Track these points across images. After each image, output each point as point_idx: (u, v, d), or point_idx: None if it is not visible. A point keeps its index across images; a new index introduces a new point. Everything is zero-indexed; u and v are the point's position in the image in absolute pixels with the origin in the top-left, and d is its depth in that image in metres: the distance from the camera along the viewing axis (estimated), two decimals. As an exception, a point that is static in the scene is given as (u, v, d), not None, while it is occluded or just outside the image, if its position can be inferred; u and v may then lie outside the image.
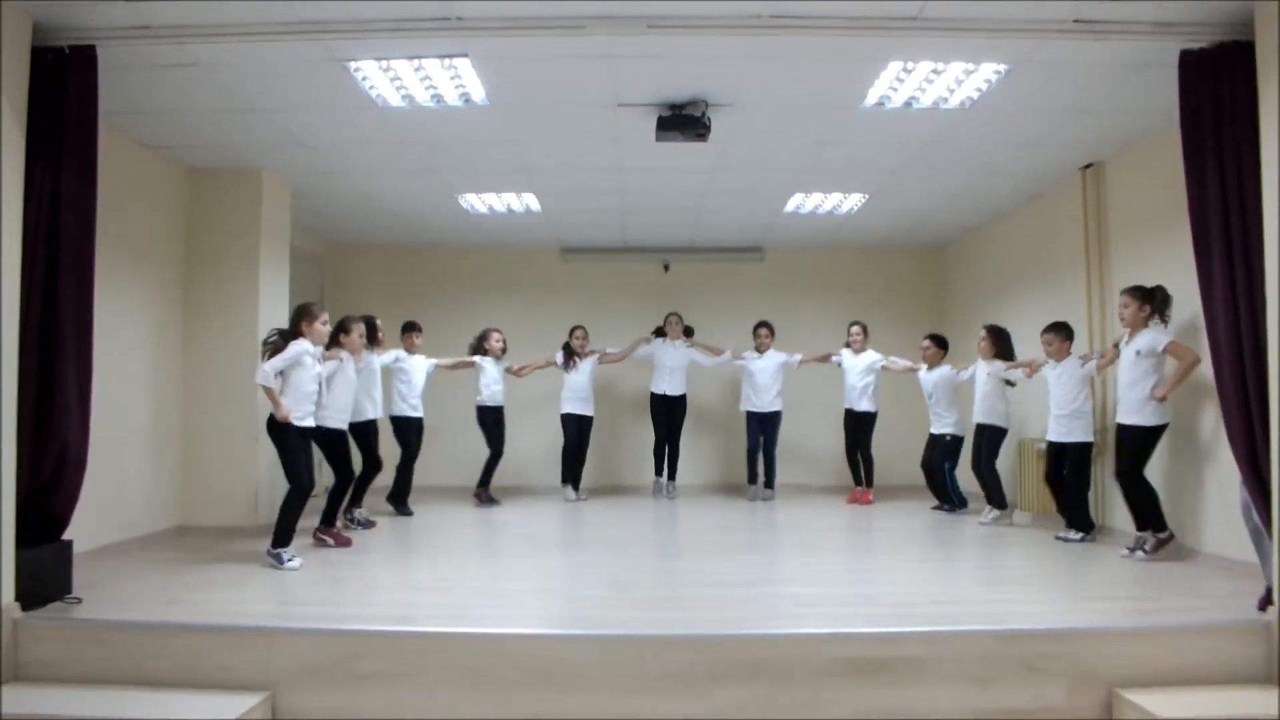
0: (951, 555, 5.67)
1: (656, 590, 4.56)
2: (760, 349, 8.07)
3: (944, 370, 7.32)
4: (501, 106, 5.18)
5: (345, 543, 5.70)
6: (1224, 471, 4.74)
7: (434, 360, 7.43)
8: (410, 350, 7.22)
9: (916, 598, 4.31)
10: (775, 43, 4.33)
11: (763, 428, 8.00)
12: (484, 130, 5.61)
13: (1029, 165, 6.36)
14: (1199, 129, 3.99)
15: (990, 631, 3.60)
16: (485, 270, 9.44)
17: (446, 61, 4.55)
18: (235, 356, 6.20)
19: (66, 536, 4.16)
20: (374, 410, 6.49)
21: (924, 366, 7.48)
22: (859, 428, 7.83)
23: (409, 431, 7.14)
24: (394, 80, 4.76)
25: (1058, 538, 5.79)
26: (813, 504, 7.83)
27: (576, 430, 8.02)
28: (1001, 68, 4.60)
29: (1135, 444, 5.18)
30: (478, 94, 4.96)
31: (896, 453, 8.45)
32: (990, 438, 6.71)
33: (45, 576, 3.96)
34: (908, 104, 5.10)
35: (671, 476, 8.30)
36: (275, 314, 6.48)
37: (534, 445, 8.66)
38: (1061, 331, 5.97)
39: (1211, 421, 5.06)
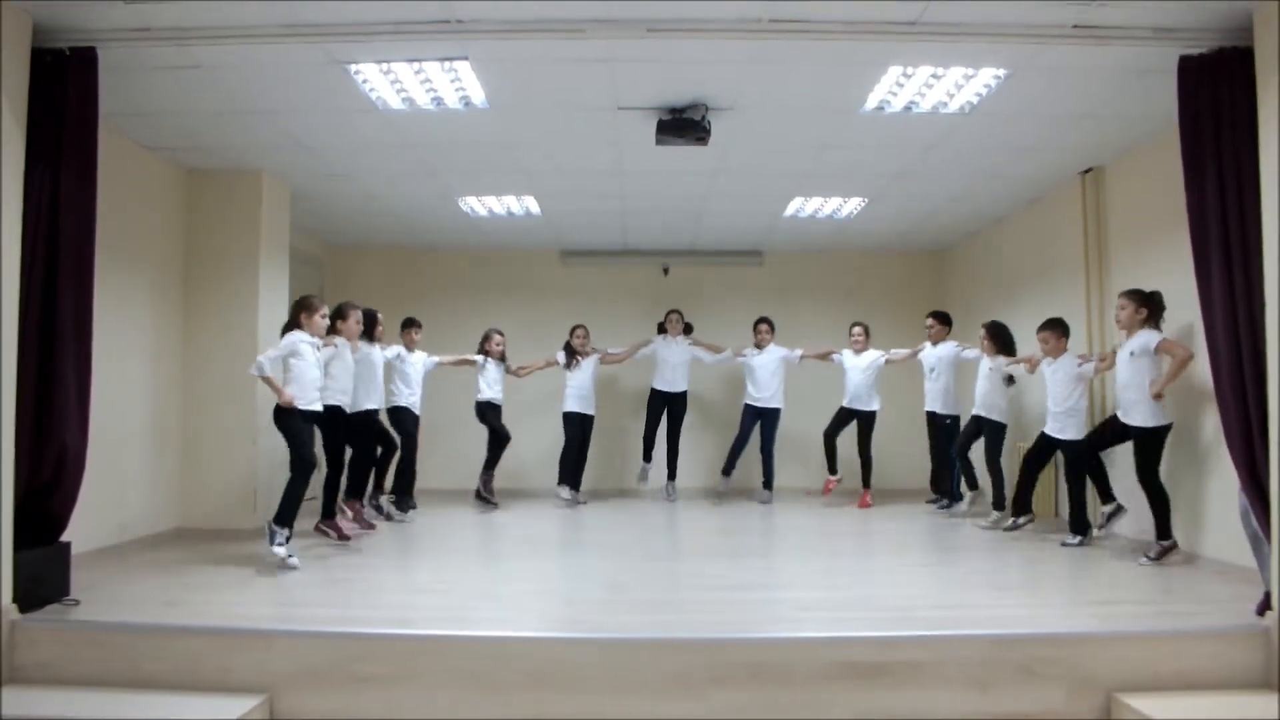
0: (951, 559, 5.67)
1: (656, 593, 4.55)
2: (760, 345, 8.08)
3: (948, 346, 7.35)
4: (501, 109, 5.18)
5: (345, 537, 5.73)
6: (1223, 477, 4.74)
7: (434, 358, 7.45)
8: (410, 346, 7.24)
9: (916, 601, 4.31)
10: (775, 47, 4.33)
11: (761, 423, 7.99)
12: (484, 133, 5.61)
13: (1029, 170, 6.37)
14: (1198, 134, 4.00)
15: (989, 635, 3.59)
16: (485, 273, 9.44)
17: (446, 64, 4.55)
18: (235, 358, 6.20)
19: (65, 538, 4.15)
20: (372, 402, 6.48)
21: (927, 345, 7.50)
22: (860, 428, 7.82)
23: (404, 424, 7.14)
24: (394, 83, 4.76)
25: (1064, 544, 5.76)
26: (813, 507, 7.82)
27: (579, 429, 8.00)
28: (1001, 72, 4.61)
29: (1145, 448, 5.19)
30: (478, 97, 4.96)
31: (895, 455, 8.44)
32: (991, 434, 6.72)
33: (43, 578, 3.95)
34: (907, 108, 5.11)
35: (672, 476, 8.27)
36: (275, 316, 6.48)
37: (534, 447, 8.65)
38: (1057, 329, 5.99)
39: (1211, 426, 5.06)
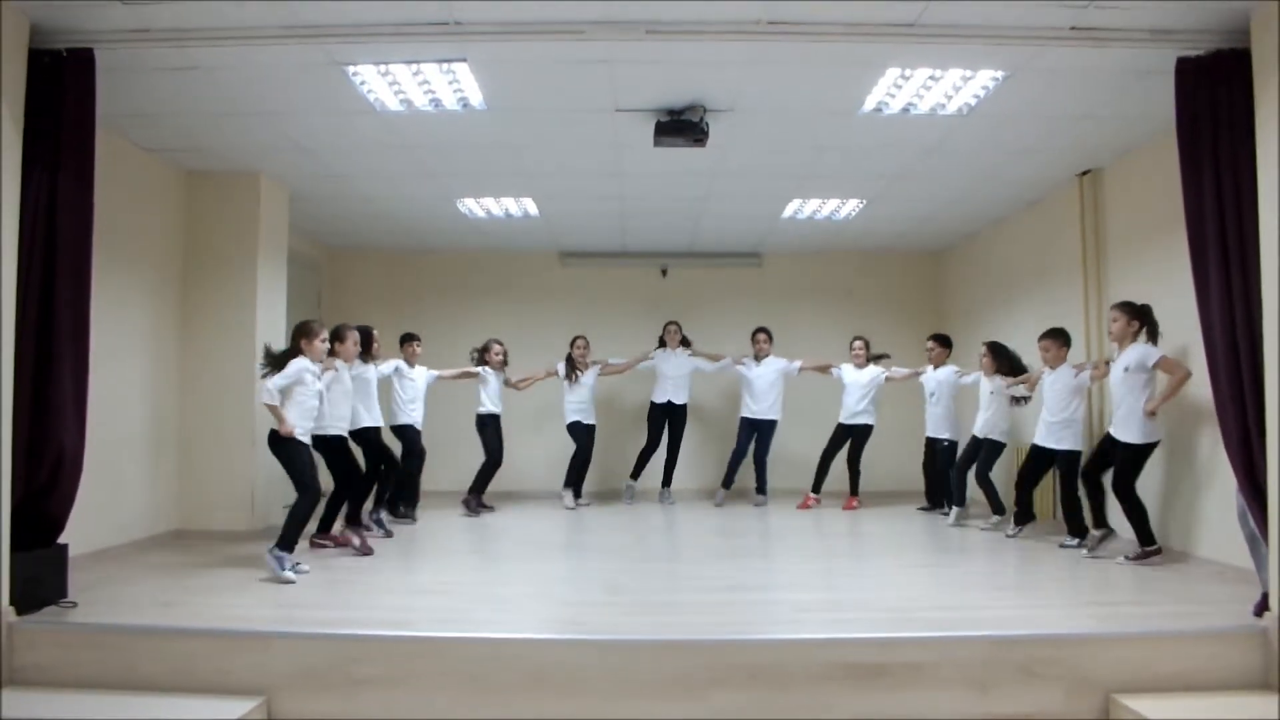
0: (949, 561, 5.67)
1: (655, 595, 4.55)
2: (758, 355, 8.06)
3: (947, 371, 7.34)
4: (500, 111, 5.18)
5: (342, 544, 5.72)
6: (1220, 477, 4.75)
7: (435, 372, 7.42)
8: (410, 361, 7.21)
9: (915, 603, 4.31)
10: (773, 48, 4.34)
11: (756, 434, 7.99)
12: (483, 134, 5.61)
13: (1027, 171, 6.37)
14: (1196, 136, 4.00)
15: (988, 636, 3.60)
16: (484, 275, 9.44)
17: (445, 66, 4.55)
18: (233, 360, 6.20)
19: (62, 540, 4.15)
20: (370, 419, 6.42)
21: (929, 368, 7.50)
22: (854, 441, 7.81)
23: (408, 440, 7.12)
24: (392, 84, 4.76)
25: (1062, 546, 5.76)
26: (812, 510, 7.82)
27: (587, 437, 7.98)
28: (999, 74, 4.62)
29: (1126, 461, 5.19)
30: (476, 99, 4.97)
31: (887, 459, 8.43)
32: (990, 451, 6.72)
33: (41, 580, 3.95)
34: (906, 110, 5.12)
35: (667, 484, 8.27)
36: (273, 318, 6.49)
37: (534, 453, 8.65)
38: (1059, 338, 5.95)
39: (1208, 428, 5.06)
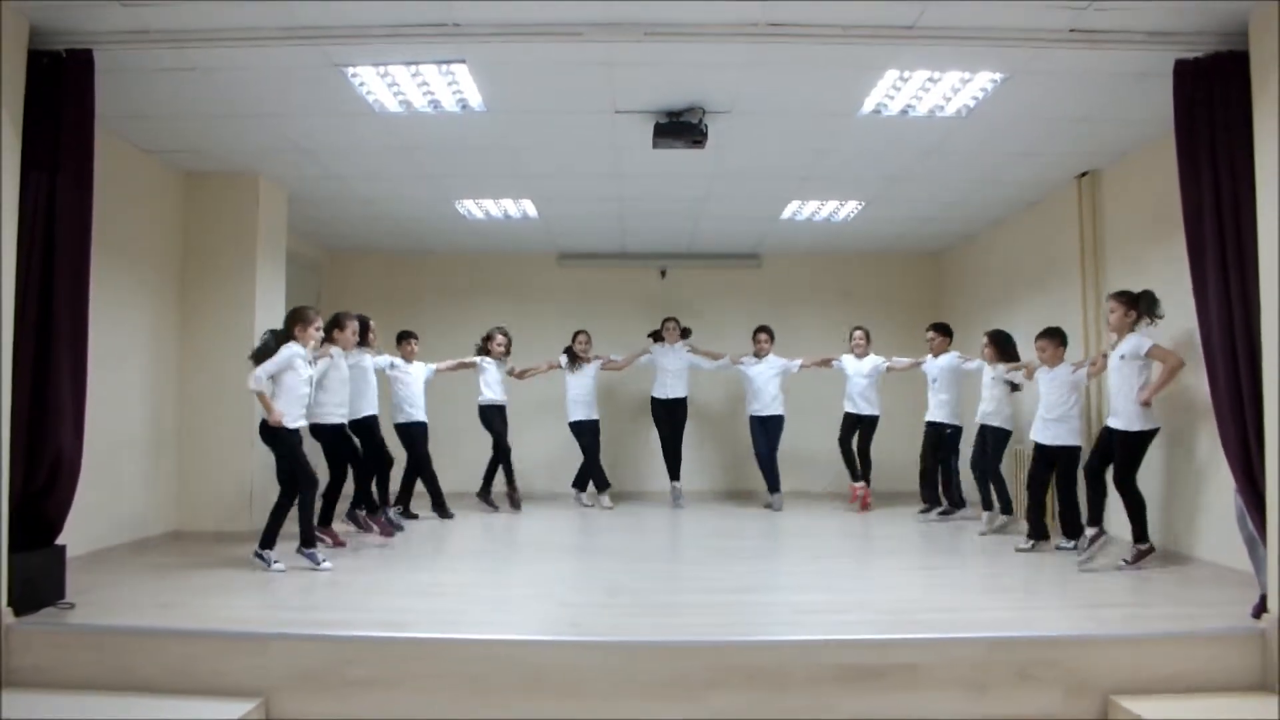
0: (949, 562, 5.68)
1: (654, 596, 4.55)
2: (759, 354, 8.06)
3: (950, 357, 7.35)
4: (499, 113, 5.18)
5: (341, 543, 5.72)
6: (1218, 479, 4.75)
7: (432, 365, 7.43)
8: (408, 358, 7.21)
9: (913, 604, 4.32)
10: (772, 50, 4.34)
11: (765, 431, 7.99)
12: (482, 136, 5.61)
13: (1025, 173, 6.38)
14: (1194, 137, 4.01)
15: (986, 638, 3.59)
16: (482, 276, 9.44)
17: (444, 67, 4.55)
18: (231, 362, 6.18)
19: (60, 541, 4.15)
20: (370, 407, 6.43)
21: (929, 356, 7.51)
22: (862, 431, 7.83)
23: (412, 438, 7.13)
24: (391, 86, 4.76)
25: (1058, 548, 5.76)
26: (813, 510, 7.83)
27: (591, 434, 7.99)
28: (998, 76, 4.62)
29: (1125, 451, 5.19)
30: (475, 100, 4.97)
31: (896, 455, 8.43)
32: (995, 440, 6.72)
33: (38, 581, 3.95)
34: (904, 111, 5.12)
35: (677, 478, 8.19)
36: (272, 319, 6.45)
37: (537, 451, 8.65)
38: (1055, 338, 5.97)
39: (1206, 429, 5.07)
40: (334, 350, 5.75)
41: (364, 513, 6.26)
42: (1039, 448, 5.90)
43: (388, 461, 6.56)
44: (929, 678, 3.46)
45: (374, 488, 6.39)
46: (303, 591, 4.59)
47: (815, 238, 8.57)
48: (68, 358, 4.02)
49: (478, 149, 5.89)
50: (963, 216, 7.73)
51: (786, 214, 7.66)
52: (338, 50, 4.32)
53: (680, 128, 5.12)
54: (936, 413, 7.37)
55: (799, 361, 8.05)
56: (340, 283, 9.17)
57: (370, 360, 6.55)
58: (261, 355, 5.10)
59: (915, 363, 7.69)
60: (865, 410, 7.79)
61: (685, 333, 8.29)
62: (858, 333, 7.92)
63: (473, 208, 7.49)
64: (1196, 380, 4.93)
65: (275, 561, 4.98)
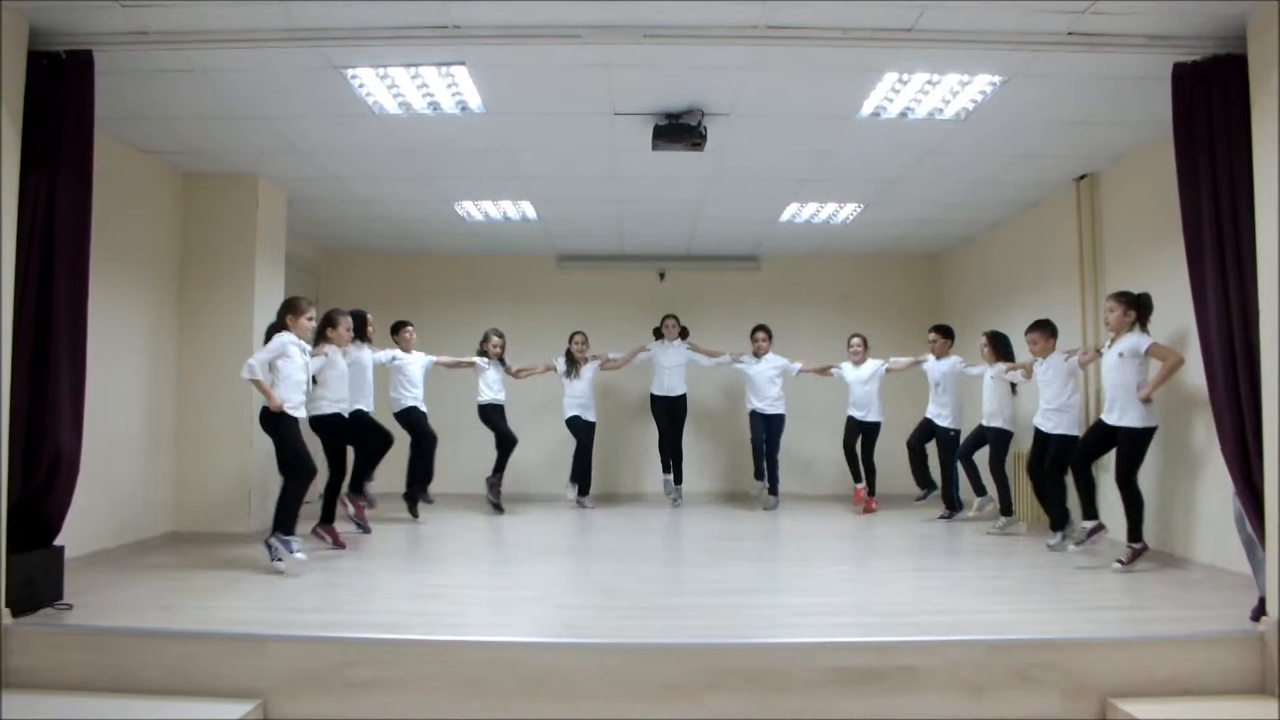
0: (948, 564, 5.69)
1: (654, 598, 4.55)
2: (758, 353, 8.07)
3: (952, 361, 7.36)
4: (498, 114, 5.19)
5: (340, 545, 5.72)
6: (1215, 481, 4.75)
7: (432, 357, 7.45)
8: (405, 347, 7.23)
9: (911, 606, 4.32)
10: (771, 52, 4.34)
11: (767, 430, 7.99)
12: (481, 138, 5.62)
13: (1024, 176, 6.39)
14: (1192, 141, 4.01)
15: (985, 641, 3.59)
16: (481, 278, 9.44)
17: (444, 69, 4.56)
18: (230, 363, 6.15)
19: (58, 542, 4.14)
20: (364, 404, 6.45)
21: (930, 357, 7.52)
22: (865, 438, 7.85)
23: (414, 423, 7.14)
24: (391, 87, 4.77)
25: (1049, 546, 5.77)
26: (814, 512, 7.83)
27: (587, 433, 8.02)
28: (997, 79, 4.63)
29: (1127, 448, 5.20)
30: (474, 102, 4.97)
31: (897, 460, 8.42)
32: (996, 441, 6.74)
33: (37, 582, 3.94)
34: (903, 114, 5.13)
35: (678, 480, 8.22)
36: (271, 321, 6.45)
37: (535, 452, 8.64)
38: (1045, 329, 6.02)
39: (1203, 431, 5.08)
40: (329, 348, 5.75)
41: (316, 525, 5.98)
42: (1038, 434, 5.94)
43: (387, 441, 6.59)
44: (928, 680, 3.46)
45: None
46: (302, 593, 4.58)
47: (814, 240, 8.57)
48: (67, 358, 4.02)
49: (477, 151, 5.90)
50: (961, 219, 7.74)
51: (785, 216, 7.66)
52: (337, 52, 4.32)
53: (679, 130, 5.12)
54: (938, 414, 7.37)
55: (799, 365, 8.05)
56: (339, 284, 9.16)
57: (369, 356, 6.57)
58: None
59: (915, 361, 7.69)
60: (869, 417, 7.80)
61: (684, 332, 8.30)
62: (855, 340, 7.93)
63: (472, 209, 7.49)
64: (1192, 380, 4.94)
65: (296, 551, 5.01)
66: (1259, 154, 3.72)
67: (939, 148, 5.75)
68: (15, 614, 3.72)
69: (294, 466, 5.06)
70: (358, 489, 6.36)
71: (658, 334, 8.32)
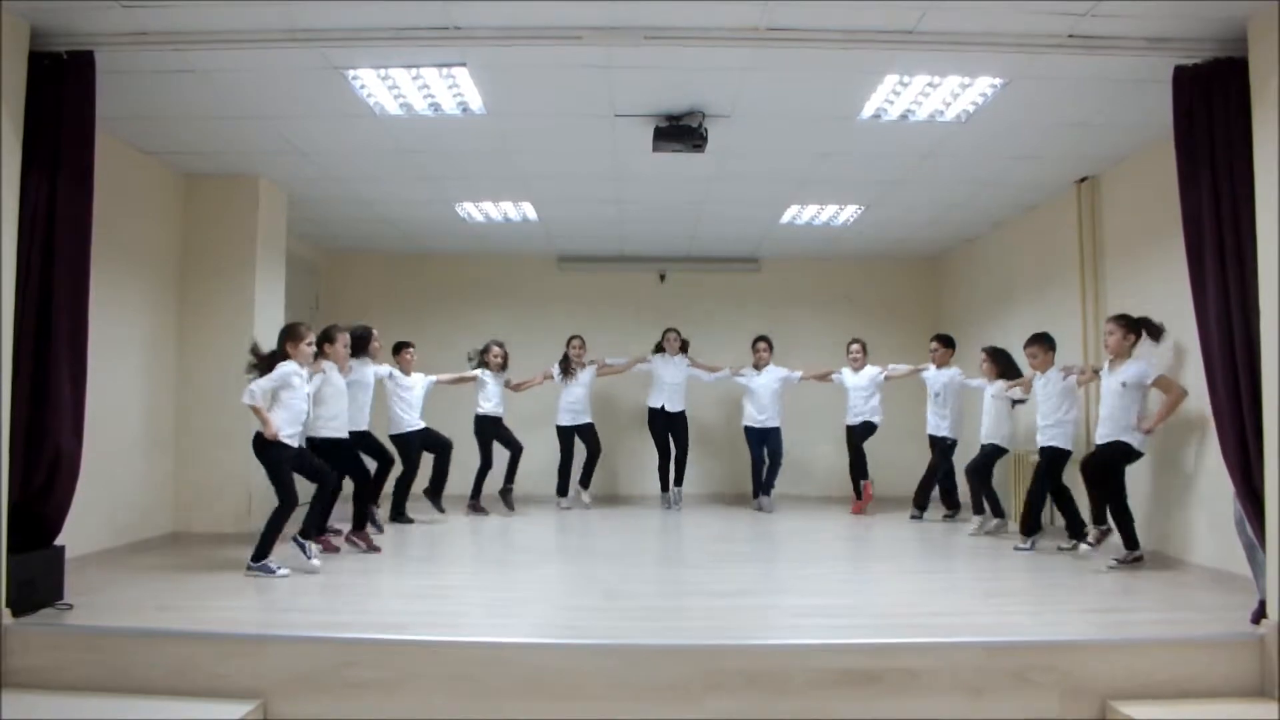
0: (946, 567, 5.69)
1: (653, 600, 4.55)
2: (759, 365, 8.06)
3: (952, 372, 7.36)
4: (499, 115, 5.19)
5: (334, 549, 5.71)
6: (1214, 482, 4.75)
7: (432, 377, 7.42)
8: (405, 369, 7.20)
9: (910, 608, 4.32)
10: (772, 55, 4.35)
11: (766, 445, 7.98)
12: (482, 139, 5.62)
13: (1024, 178, 6.39)
14: (1193, 143, 4.01)
15: (984, 643, 3.59)
16: (481, 278, 9.44)
17: (444, 70, 4.56)
18: (230, 363, 6.16)
19: (59, 542, 4.14)
20: (362, 423, 6.43)
21: (931, 366, 7.52)
22: (860, 436, 7.84)
23: (411, 448, 7.12)
24: (392, 88, 4.77)
25: (1017, 549, 5.86)
26: (811, 515, 7.82)
27: (572, 443, 8.03)
28: (997, 81, 4.63)
29: (1108, 455, 5.26)
30: (475, 103, 4.97)
31: (895, 463, 8.45)
32: (989, 456, 6.75)
33: (37, 582, 3.94)
34: (904, 116, 5.13)
35: (679, 483, 8.20)
36: (271, 320, 6.47)
37: (533, 456, 8.61)
38: (1044, 343, 6.03)
39: (1199, 433, 5.08)
40: (326, 365, 5.71)
41: (349, 531, 6.00)
42: (1040, 450, 5.94)
43: (387, 464, 6.57)
44: (926, 682, 3.45)
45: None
46: (301, 594, 4.58)
47: (814, 241, 8.57)
48: (67, 358, 4.02)
49: (477, 151, 5.90)
50: (962, 221, 7.74)
51: (786, 218, 7.67)
52: (338, 53, 4.33)
53: (680, 131, 5.13)
54: (937, 426, 7.37)
55: (799, 373, 8.06)
56: (339, 285, 9.17)
57: (372, 372, 6.55)
58: (265, 366, 5.08)
59: (915, 370, 7.70)
60: (866, 418, 7.80)
61: (684, 346, 8.28)
62: (854, 345, 7.95)
63: (472, 210, 7.49)
64: (1192, 386, 4.94)
65: (313, 558, 5.06)
66: (1259, 157, 3.72)
67: (940, 150, 5.75)
68: (15, 614, 3.73)
69: (278, 495, 5.03)
70: (360, 525, 6.01)
71: (659, 348, 8.29)
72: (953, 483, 7.39)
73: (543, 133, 5.54)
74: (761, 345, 8.07)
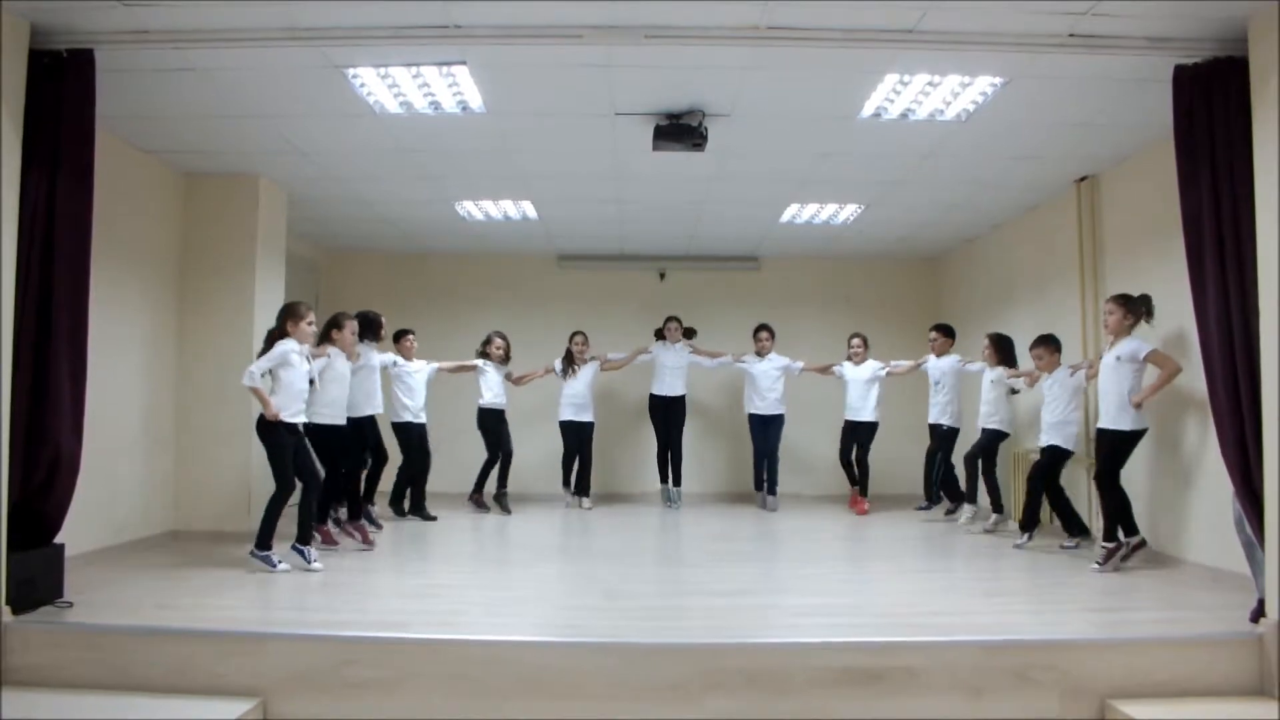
0: (946, 565, 5.69)
1: (653, 599, 4.55)
2: (761, 352, 8.08)
3: (951, 359, 7.39)
4: (499, 114, 5.19)
5: (332, 543, 5.71)
6: (1213, 481, 4.76)
7: (435, 364, 7.45)
8: (407, 356, 7.22)
9: (911, 607, 4.32)
10: (772, 54, 4.35)
11: (765, 430, 7.99)
12: (481, 138, 5.62)
13: (1025, 177, 6.39)
14: (1193, 143, 4.01)
15: (983, 642, 3.60)
16: (482, 277, 9.43)
17: (445, 69, 4.56)
18: (229, 362, 6.18)
19: (58, 540, 4.15)
20: (372, 407, 6.49)
21: (930, 357, 7.53)
22: (861, 437, 7.85)
23: (410, 438, 7.14)
24: (391, 87, 4.77)
25: (1016, 546, 5.89)
26: (811, 513, 7.83)
27: (576, 437, 8.03)
28: (998, 80, 4.63)
29: (1110, 449, 5.23)
30: (475, 102, 4.97)
31: (895, 461, 8.45)
32: (990, 440, 6.76)
33: (36, 580, 3.95)
34: (904, 115, 5.12)
35: (676, 482, 8.22)
36: (271, 320, 6.44)
37: (534, 453, 8.64)
38: (1050, 344, 6.05)
39: (1197, 431, 5.09)
40: (331, 350, 5.74)
41: (343, 521, 6.07)
42: (1041, 449, 5.97)
43: (383, 459, 6.58)
44: (926, 681, 3.46)
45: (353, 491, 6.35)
46: (300, 592, 4.59)
47: (814, 240, 8.57)
48: (67, 357, 4.02)
49: (477, 150, 5.89)
50: (962, 220, 7.74)
51: (786, 217, 7.66)
52: (338, 51, 4.32)
53: (680, 130, 5.12)
54: (938, 414, 7.39)
55: (801, 364, 8.08)
56: (339, 283, 9.16)
57: (378, 359, 6.58)
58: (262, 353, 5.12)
59: (915, 365, 7.72)
60: (864, 417, 7.82)
61: (689, 333, 8.29)
62: (855, 340, 7.96)
63: (472, 209, 7.49)
64: (1187, 381, 4.94)
65: (314, 560, 5.05)
66: (1259, 156, 3.72)
67: (940, 149, 5.75)
68: (15, 612, 3.73)
69: (276, 478, 5.04)
70: (356, 515, 6.08)
71: (659, 335, 8.32)
72: (954, 476, 7.39)
73: (543, 132, 5.54)
74: (763, 334, 8.09)
